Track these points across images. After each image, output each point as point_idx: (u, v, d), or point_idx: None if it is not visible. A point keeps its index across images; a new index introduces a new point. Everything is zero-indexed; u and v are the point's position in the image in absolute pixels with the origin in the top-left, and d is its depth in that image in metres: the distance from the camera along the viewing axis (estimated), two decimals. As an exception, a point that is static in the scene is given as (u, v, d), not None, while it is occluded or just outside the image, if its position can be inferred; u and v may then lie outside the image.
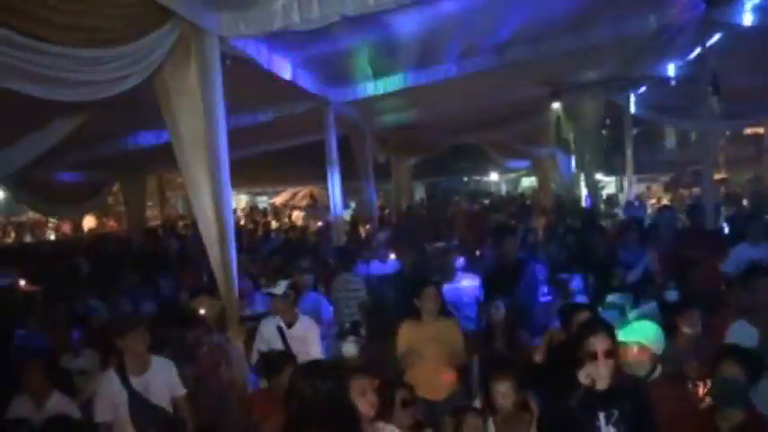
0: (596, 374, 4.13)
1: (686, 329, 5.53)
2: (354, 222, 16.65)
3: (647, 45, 11.84)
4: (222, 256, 6.56)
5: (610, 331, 4.28)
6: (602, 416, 4.14)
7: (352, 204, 23.33)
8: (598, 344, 4.14)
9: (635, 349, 4.68)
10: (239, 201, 27.46)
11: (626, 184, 20.62)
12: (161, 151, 8.91)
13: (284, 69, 9.11)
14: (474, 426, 4.91)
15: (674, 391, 4.61)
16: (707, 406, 4.42)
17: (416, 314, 6.42)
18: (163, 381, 5.65)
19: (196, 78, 6.27)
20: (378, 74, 11.29)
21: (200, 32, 6.32)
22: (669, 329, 5.91)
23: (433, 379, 6.20)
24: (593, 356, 4.11)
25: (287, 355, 5.90)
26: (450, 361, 6.25)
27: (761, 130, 22.30)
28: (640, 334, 4.78)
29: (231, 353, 6.72)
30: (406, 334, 6.40)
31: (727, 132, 22.18)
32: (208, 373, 6.54)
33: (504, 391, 4.90)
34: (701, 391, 4.72)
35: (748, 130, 23.81)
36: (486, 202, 22.61)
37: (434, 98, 13.47)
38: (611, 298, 7.13)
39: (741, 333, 5.11)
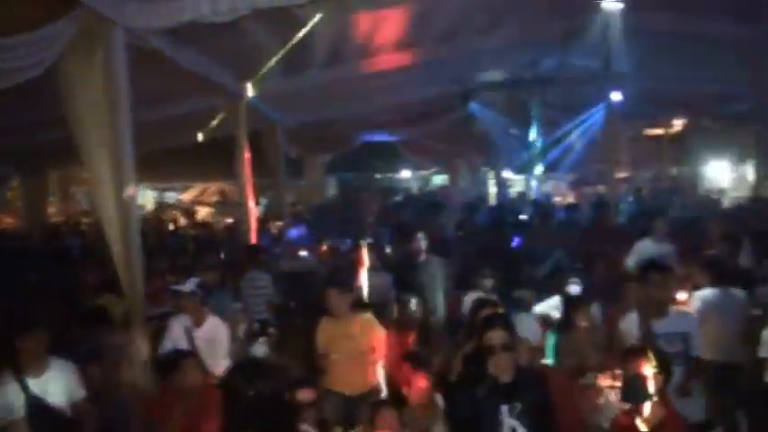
0: (497, 368, 4.22)
1: (583, 323, 5.69)
2: (265, 219, 16.46)
3: (553, 46, 12.14)
4: (126, 253, 6.38)
5: (507, 326, 4.40)
6: (504, 408, 4.22)
7: (264, 201, 23.09)
8: (495, 338, 4.24)
9: (526, 343, 4.79)
10: (146, 197, 26.73)
11: (534, 182, 21.09)
12: (63, 145, 8.59)
13: (193, 63, 8.93)
14: (388, 419, 4.92)
15: (573, 383, 4.76)
16: (625, 408, 4.55)
17: (333, 312, 6.40)
18: (61, 383, 5.44)
19: (100, 70, 6.09)
20: (290, 69, 11.19)
21: (105, 23, 6.13)
22: (569, 322, 6.11)
23: (350, 375, 6.20)
24: (492, 350, 4.21)
25: (184, 353, 5.78)
26: (368, 357, 6.26)
27: (661, 131, 23.20)
28: (520, 328, 4.91)
29: (135, 354, 6.54)
30: (324, 331, 6.38)
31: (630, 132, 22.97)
32: (110, 375, 6.34)
33: (414, 385, 4.94)
34: (601, 382, 4.87)
35: (649, 131, 24.71)
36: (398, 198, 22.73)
37: (347, 95, 13.47)
38: (517, 293, 7.30)
39: (633, 325, 5.30)
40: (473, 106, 16.60)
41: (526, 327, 5.01)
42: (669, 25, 10.88)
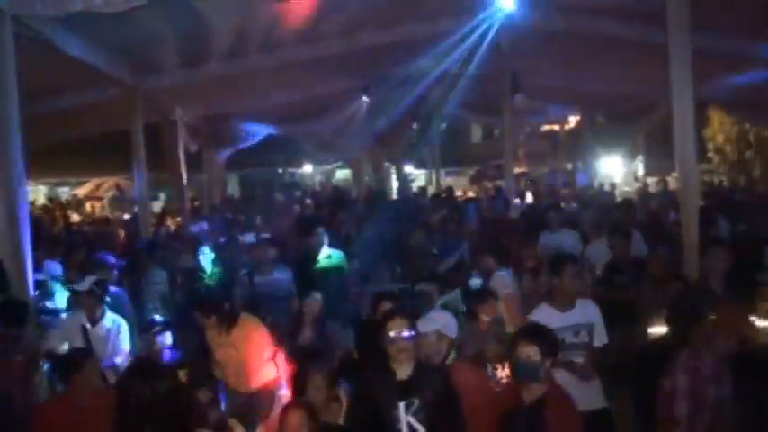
0: (394, 364, 4.27)
1: (484, 316, 5.80)
2: (163, 215, 16.09)
3: (454, 43, 12.31)
4: (12, 248, 6.14)
5: (408, 320, 4.44)
6: (402, 405, 4.26)
7: (162, 196, 22.56)
8: (395, 333, 4.28)
9: (432, 337, 4.84)
10: (37, 192, 25.69)
11: (434, 176, 21.40)
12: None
13: (87, 54, 8.64)
14: (297, 418, 4.88)
15: (474, 374, 4.84)
16: (511, 383, 4.64)
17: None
18: None
19: (-14, 59, 5.82)
20: (189, 61, 10.96)
21: (-9, 10, 5.86)
22: (472, 315, 6.20)
23: (241, 376, 6.14)
24: (390, 347, 4.26)
25: (87, 354, 5.58)
26: (253, 361, 6.20)
27: (556, 127, 23.94)
28: (437, 323, 4.97)
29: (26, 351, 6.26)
30: (209, 337, 6.25)
31: (527, 129, 23.62)
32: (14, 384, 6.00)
33: (315, 383, 4.91)
34: (500, 372, 4.97)
35: (545, 127, 25.46)
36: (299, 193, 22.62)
37: (248, 88, 13.30)
38: (419, 286, 7.38)
39: (544, 316, 5.44)
40: (374, 101, 16.65)
41: (443, 321, 5.03)
42: (564, 25, 11.20)
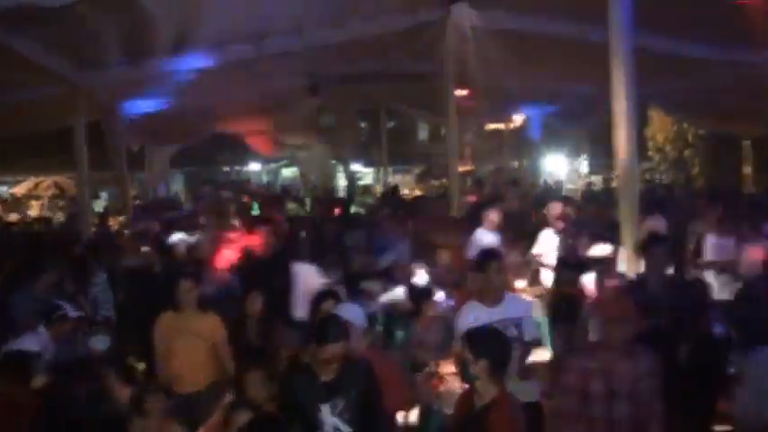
0: (318, 366, 4.28)
1: (430, 312, 5.86)
2: (105, 214, 15.80)
3: (401, 42, 12.35)
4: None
5: (339, 330, 4.43)
6: (325, 408, 4.26)
7: (104, 195, 22.17)
8: (327, 350, 4.29)
9: None
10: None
11: (382, 174, 21.45)
12: None
13: (27, 49, 8.45)
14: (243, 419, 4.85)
15: (396, 365, 4.91)
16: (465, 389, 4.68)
17: (176, 307, 6.28)
18: None
19: None
20: (132, 58, 10.77)
21: None
22: (417, 312, 6.26)
23: (191, 372, 6.08)
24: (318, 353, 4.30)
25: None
26: (210, 354, 6.17)
27: (502, 126, 24.16)
28: (346, 314, 4.98)
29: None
30: (162, 327, 6.26)
31: (473, 127, 23.79)
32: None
33: (255, 382, 4.89)
34: (443, 369, 5.03)
35: (491, 126, 25.67)
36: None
37: (193, 85, 13.12)
38: (363, 284, 7.40)
39: (472, 312, 5.51)
40: (322, 99, 16.63)
41: (351, 313, 5.07)
42: (511, 24, 11.32)
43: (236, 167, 28.37)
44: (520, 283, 7.78)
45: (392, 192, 17.04)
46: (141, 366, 6.40)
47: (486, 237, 8.82)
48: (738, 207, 11.05)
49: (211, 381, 6.18)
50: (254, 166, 27.86)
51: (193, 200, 19.36)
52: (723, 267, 8.26)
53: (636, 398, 4.44)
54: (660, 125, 22.01)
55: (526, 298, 6.79)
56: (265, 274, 7.68)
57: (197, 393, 6.05)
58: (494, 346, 4.32)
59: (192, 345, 6.15)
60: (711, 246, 8.72)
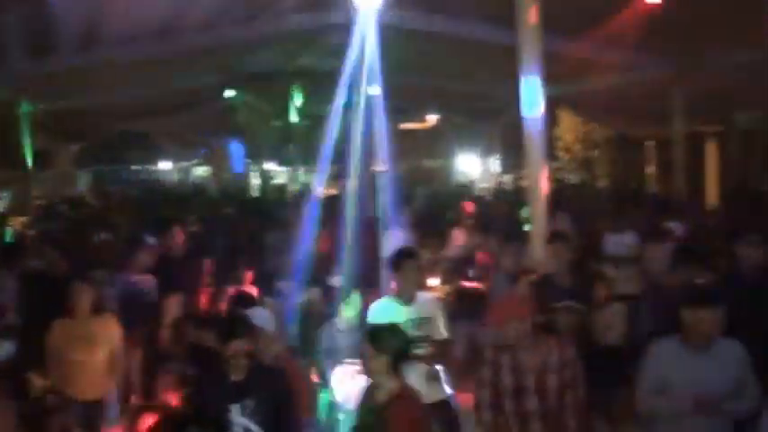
0: (230, 366, 4.25)
1: (347, 312, 5.87)
2: (5, 215, 15.19)
3: (310, 41, 12.32)
4: None
5: (245, 328, 4.44)
6: (235, 408, 4.24)
7: (5, 195, 21.30)
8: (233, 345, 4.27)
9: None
10: None
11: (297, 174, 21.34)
12: None
13: None
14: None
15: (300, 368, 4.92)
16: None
17: (69, 312, 6.08)
18: None
19: None
20: (34, 53, 10.39)
21: None
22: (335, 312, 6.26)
23: (86, 379, 5.92)
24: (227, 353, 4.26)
25: None
26: (104, 360, 6.00)
27: (416, 126, 24.38)
28: (254, 319, 4.99)
29: None
30: (55, 334, 6.05)
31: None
32: None
33: (166, 385, 4.81)
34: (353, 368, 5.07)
35: (406, 126, 25.86)
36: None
37: (99, 81, 12.77)
38: (279, 285, 7.35)
39: (386, 310, 5.55)
40: (233, 97, 16.43)
41: (260, 317, 5.07)
42: (424, 24, 11.42)
43: (146, 166, 27.72)
44: (432, 282, 7.86)
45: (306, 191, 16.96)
46: (40, 382, 6.13)
47: (398, 236, 8.88)
48: (640, 206, 11.51)
49: (113, 386, 6.03)
50: (164, 165, 27.27)
51: (100, 199, 18.86)
52: (622, 262, 8.60)
53: (545, 392, 4.54)
54: (569, 125, 22.59)
55: (438, 296, 6.88)
56: (178, 275, 7.54)
57: (97, 401, 5.89)
58: (393, 342, 4.36)
59: (87, 351, 5.97)
60: (612, 242, 9.11)
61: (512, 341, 4.54)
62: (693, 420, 4.41)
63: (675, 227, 9.11)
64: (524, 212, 8.18)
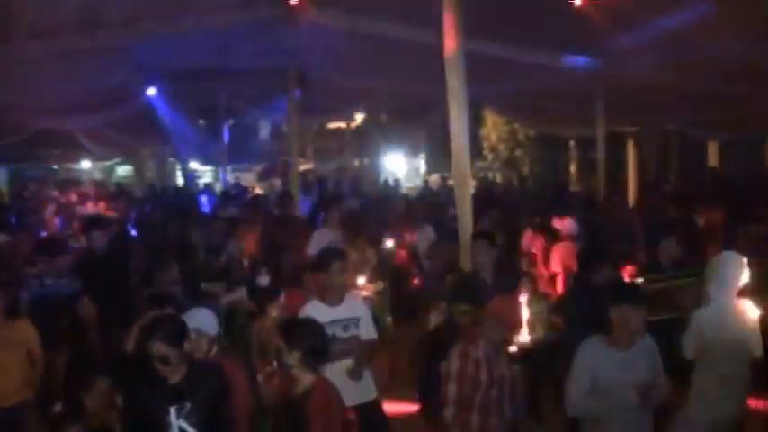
0: (164, 369, 4.21)
1: (273, 313, 5.85)
2: None
3: (239, 37, 12.19)
4: None
5: (173, 331, 4.41)
6: (173, 410, 4.20)
7: None
8: (159, 349, 4.27)
9: (192, 335, 4.79)
10: None
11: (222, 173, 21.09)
12: None
13: None
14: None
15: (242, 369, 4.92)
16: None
17: None
18: None
19: None
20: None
21: None
22: (259, 312, 6.23)
23: (2, 385, 5.74)
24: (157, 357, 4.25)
25: None
26: (21, 364, 5.83)
27: (344, 125, 24.41)
28: (196, 320, 4.95)
29: None
30: None
31: (315, 126, 23.86)
32: None
33: (93, 389, 4.68)
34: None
35: (332, 125, 25.84)
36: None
37: (15, 77, 12.33)
38: (204, 285, 7.26)
39: (313, 312, 5.55)
40: (155, 95, 16.12)
41: (201, 318, 5.01)
42: (350, 24, 11.42)
43: (66, 165, 26.92)
44: (360, 280, 7.88)
45: (235, 190, 16.84)
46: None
47: (326, 236, 8.86)
48: (562, 204, 11.83)
49: (31, 391, 5.86)
50: (85, 164, 26.52)
51: (15, 198, 18.29)
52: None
53: (503, 384, 4.77)
54: (493, 125, 22.96)
55: (365, 296, 6.92)
56: (99, 276, 7.38)
57: (14, 407, 5.72)
58: (306, 337, 4.42)
59: (2, 356, 5.81)
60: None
61: (496, 338, 4.71)
62: (621, 416, 4.56)
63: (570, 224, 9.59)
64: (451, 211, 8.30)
